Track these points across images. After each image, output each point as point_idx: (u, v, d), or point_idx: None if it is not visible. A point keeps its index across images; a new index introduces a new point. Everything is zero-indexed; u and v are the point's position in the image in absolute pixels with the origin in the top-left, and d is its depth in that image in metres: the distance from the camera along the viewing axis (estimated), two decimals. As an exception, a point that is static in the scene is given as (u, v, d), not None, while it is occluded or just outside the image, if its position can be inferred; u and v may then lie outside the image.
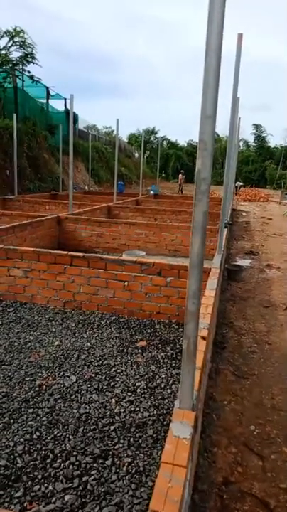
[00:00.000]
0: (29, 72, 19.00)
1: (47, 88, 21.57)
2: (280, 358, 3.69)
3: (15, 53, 18.58)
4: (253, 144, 61.04)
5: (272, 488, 2.09)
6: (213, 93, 1.38)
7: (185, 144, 65.80)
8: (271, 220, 15.63)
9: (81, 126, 28.79)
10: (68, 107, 22.95)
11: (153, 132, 59.85)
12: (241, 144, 55.03)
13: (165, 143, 60.24)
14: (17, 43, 18.42)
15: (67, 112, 22.93)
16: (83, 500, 1.91)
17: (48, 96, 22.05)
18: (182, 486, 1.18)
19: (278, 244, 9.99)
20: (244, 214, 17.50)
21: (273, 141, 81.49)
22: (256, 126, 59.86)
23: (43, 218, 7.75)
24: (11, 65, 18.08)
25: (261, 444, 2.44)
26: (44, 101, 21.75)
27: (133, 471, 2.10)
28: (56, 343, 3.56)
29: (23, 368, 3.11)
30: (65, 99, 23.31)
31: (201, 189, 1.40)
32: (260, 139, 60.75)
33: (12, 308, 4.36)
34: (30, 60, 18.59)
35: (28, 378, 2.95)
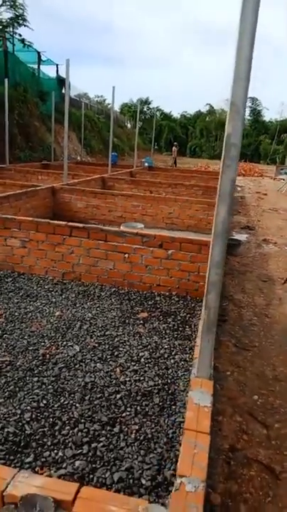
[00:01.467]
0: (20, 35, 18.19)
1: (38, 53, 20.77)
2: (280, 331, 3.74)
3: (6, 14, 17.72)
4: (249, 117, 60.10)
5: (277, 455, 2.14)
6: (247, 54, 1.31)
7: (179, 116, 64.57)
8: (266, 195, 15.60)
9: (72, 94, 27.92)
10: (60, 73, 22.24)
11: (146, 102, 58.44)
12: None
13: (158, 114, 58.97)
14: (7, 3, 17.54)
15: (58, 78, 22.18)
16: (93, 465, 1.93)
17: (39, 61, 21.25)
18: (207, 451, 1.19)
19: (274, 220, 10.00)
20: (239, 189, 17.40)
21: (268, 115, 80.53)
22: (252, 100, 58.80)
23: (38, 188, 7.60)
24: (1, 27, 17.25)
25: (265, 414, 2.49)
26: (35, 66, 20.96)
27: (142, 437, 2.12)
28: (57, 313, 3.54)
29: (25, 337, 3.09)
30: (57, 65, 22.52)
31: (230, 155, 1.35)
32: (255, 113, 59.84)
33: (10, 279, 4.31)
34: (21, 22, 17.75)
35: (31, 347, 2.94)
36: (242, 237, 7.68)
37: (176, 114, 65.09)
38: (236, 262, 5.87)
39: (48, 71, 22.76)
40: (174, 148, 29.38)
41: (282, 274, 5.49)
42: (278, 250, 6.85)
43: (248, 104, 57.56)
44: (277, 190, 17.63)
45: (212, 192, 9.50)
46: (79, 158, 21.33)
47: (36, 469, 1.90)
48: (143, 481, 1.83)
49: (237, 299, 4.41)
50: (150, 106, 58.73)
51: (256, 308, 4.22)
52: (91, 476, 1.88)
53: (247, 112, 58.07)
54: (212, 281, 1.45)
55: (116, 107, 48.74)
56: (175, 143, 31.89)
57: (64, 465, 1.93)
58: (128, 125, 44.90)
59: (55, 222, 4.46)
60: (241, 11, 1.31)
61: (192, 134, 59.60)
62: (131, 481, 1.84)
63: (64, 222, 4.41)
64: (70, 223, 4.39)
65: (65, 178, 8.77)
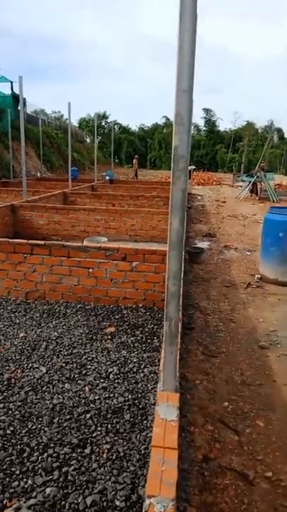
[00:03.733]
0: None
1: (-9, 70, 20.45)
2: (246, 334, 3.80)
3: None
4: (204, 128, 61.82)
5: (250, 460, 2.15)
6: (189, 66, 1.33)
7: (137, 129, 65.42)
8: (225, 202, 15.99)
9: (29, 110, 27.66)
10: (15, 90, 21.98)
11: (104, 117, 58.81)
12: (192, 128, 55.55)
13: (116, 127, 59.47)
14: None
15: (13, 95, 21.92)
16: (65, 491, 1.87)
17: (-8, 79, 20.93)
18: (175, 468, 1.17)
19: (234, 226, 10.25)
20: (199, 198, 17.76)
21: (223, 125, 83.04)
22: (206, 111, 60.63)
23: (-4, 207, 7.42)
24: None
25: (236, 420, 2.50)
26: (-12, 84, 20.64)
27: (114, 457, 2.08)
28: (21, 334, 3.44)
29: (-11, 362, 2.97)
30: (11, 82, 22.24)
31: (179, 167, 1.36)
32: (210, 123, 61.62)
33: None
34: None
35: (-5, 373, 2.82)
36: (204, 244, 7.81)
37: (134, 127, 65.96)
38: (200, 270, 5.94)
39: (3, 88, 22.46)
40: (135, 160, 29.58)
41: (244, 278, 5.61)
42: (239, 255, 7.01)
43: (203, 115, 59.31)
44: (235, 197, 18.13)
45: (173, 202, 9.64)
46: (39, 174, 21.09)
47: (4, 502, 1.81)
48: (117, 503, 1.79)
49: (203, 306, 4.45)
50: (108, 120, 59.21)
51: (221, 314, 4.28)
52: (63, 502, 1.81)
53: (202, 122, 59.77)
54: (171, 291, 1.45)
55: (74, 122, 48.78)
56: (136, 156, 32.14)
57: (34, 494, 1.85)
58: (88, 140, 44.93)
59: (15, 240, 4.36)
60: (179, 21, 1.34)
61: (151, 146, 60.49)
62: (104, 503, 1.79)
63: (24, 241, 4.31)
64: (31, 241, 4.30)
65: (24, 194, 8.63)
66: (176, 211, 1.39)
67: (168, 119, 63.04)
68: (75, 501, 1.81)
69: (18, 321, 3.72)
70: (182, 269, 1.46)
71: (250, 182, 18.07)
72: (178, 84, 1.31)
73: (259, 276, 5.62)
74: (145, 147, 59.93)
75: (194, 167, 31.99)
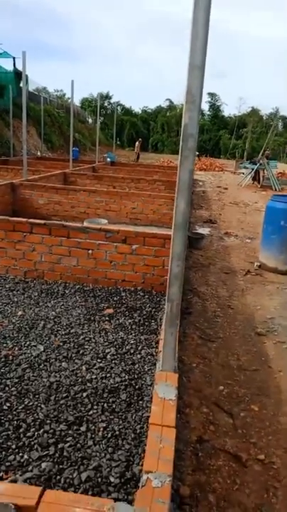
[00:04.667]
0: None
1: (-7, 45, 20.00)
2: (243, 321, 3.82)
3: None
4: (208, 112, 61.03)
5: (243, 443, 2.18)
6: (202, 42, 1.29)
7: (140, 111, 64.52)
8: (227, 189, 15.90)
9: (31, 88, 27.22)
10: (17, 66, 21.55)
11: (107, 97, 57.90)
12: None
13: (119, 109, 58.65)
14: None
15: (16, 72, 21.49)
16: (60, 466, 1.89)
17: (-5, 54, 20.48)
18: (173, 445, 1.18)
19: (235, 213, 10.21)
20: (201, 183, 17.65)
21: (227, 111, 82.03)
22: (211, 95, 59.73)
23: (-4, 184, 7.35)
24: None
25: (231, 403, 2.53)
26: (-10, 59, 20.21)
27: (109, 435, 2.10)
28: (19, 312, 3.44)
29: (-14, 339, 2.98)
30: (14, 58, 21.77)
31: (188, 146, 1.33)
32: (214, 108, 60.84)
33: None
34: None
35: (-8, 349, 2.83)
36: (205, 230, 7.78)
37: (137, 109, 65.04)
38: (200, 256, 5.94)
39: (5, 64, 22.01)
40: (137, 143, 29.23)
41: (243, 265, 5.61)
42: (240, 243, 7.00)
43: (208, 99, 58.50)
44: (237, 184, 18.02)
45: (174, 186, 9.56)
46: (39, 153, 20.85)
47: (1, 475, 1.83)
48: (112, 479, 1.81)
49: (201, 292, 4.46)
50: (111, 101, 58.30)
51: (219, 299, 4.29)
52: (58, 477, 1.83)
53: (207, 107, 59.00)
54: (174, 273, 1.44)
55: (77, 102, 48.06)
56: (140, 139, 31.80)
57: (30, 468, 1.87)
58: (90, 120, 44.36)
59: (15, 218, 4.32)
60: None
61: (153, 129, 59.78)
62: (99, 479, 1.82)
63: (24, 219, 4.28)
64: (31, 220, 4.27)
65: (24, 173, 8.54)
66: (183, 192, 1.37)
67: (171, 102, 62.27)
68: (70, 476, 1.83)
69: (16, 299, 3.71)
70: (185, 251, 1.44)
71: (253, 169, 17.94)
72: (191, 60, 1.28)
73: (259, 264, 5.62)
74: (147, 130, 59.22)
75: (197, 152, 31.72)
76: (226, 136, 56.49)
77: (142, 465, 1.82)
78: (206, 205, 11.32)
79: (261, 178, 17.71)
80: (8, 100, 16.87)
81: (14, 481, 1.78)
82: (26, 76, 8.35)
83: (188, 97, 1.31)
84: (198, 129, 1.35)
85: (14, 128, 17.48)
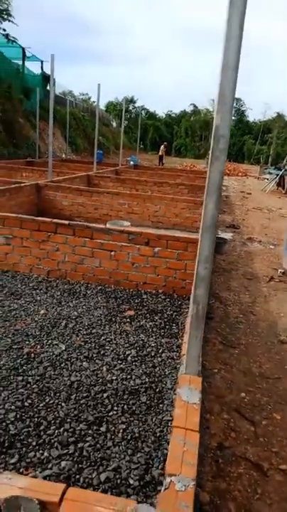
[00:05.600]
0: (4, 30, 17.86)
1: (23, 49, 20.44)
2: (266, 328, 3.75)
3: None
4: (233, 117, 60.58)
5: (265, 452, 2.14)
6: (236, 42, 1.28)
7: (164, 115, 64.67)
8: (250, 194, 15.73)
9: (57, 91, 27.64)
10: (45, 69, 21.97)
11: (131, 101, 58.29)
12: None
13: (143, 113, 58.92)
14: (-10, -3, 17.22)
15: (43, 75, 21.90)
16: (79, 466, 1.89)
17: (24, 57, 20.92)
18: (196, 449, 1.16)
19: (258, 219, 10.07)
20: (224, 188, 17.51)
21: (252, 116, 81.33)
22: (236, 100, 59.29)
23: (22, 185, 7.47)
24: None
25: (252, 411, 2.48)
26: (19, 62, 20.65)
27: (129, 437, 2.09)
28: (42, 311, 3.48)
29: (10, 335, 3.02)
30: (42, 61, 22.25)
31: (219, 147, 1.32)
32: (239, 113, 60.43)
33: (-7, 276, 4.22)
34: (5, 16, 17.43)
35: (15, 346, 2.87)
36: (228, 235, 7.71)
37: (161, 113, 65.24)
38: (222, 260, 5.88)
39: (33, 67, 22.47)
40: (162, 147, 29.22)
41: (267, 272, 5.52)
42: (263, 248, 6.89)
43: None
44: (261, 189, 17.79)
45: (197, 191, 9.52)
46: (64, 155, 21.14)
47: (21, 470, 1.84)
48: (131, 481, 1.80)
49: (223, 297, 4.41)
50: (136, 105, 58.65)
51: (241, 305, 4.23)
52: (77, 476, 1.83)
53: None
54: (201, 276, 1.43)
55: (102, 105, 48.51)
56: (165, 142, 31.82)
57: (49, 465, 1.88)
58: (114, 124, 44.72)
59: (40, 218, 4.38)
60: (228, 2, 1.29)
61: (177, 134, 59.81)
62: (118, 480, 1.81)
63: (49, 219, 4.34)
64: (55, 220, 4.32)
65: (49, 175, 8.66)
66: (212, 193, 1.36)
67: (195, 106, 62.18)
68: (89, 476, 1.83)
69: (39, 298, 3.76)
70: (213, 254, 1.42)
71: (277, 175, 17.68)
72: (224, 60, 1.27)
73: (282, 270, 5.52)
74: (171, 134, 59.29)
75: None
76: (251, 141, 56.01)
77: (161, 469, 1.80)
78: (229, 209, 11.22)
79: (286, 184, 17.43)
80: (35, 103, 17.18)
81: (34, 478, 1.79)
82: (54, 79, 8.49)
83: (220, 98, 1.30)
84: (229, 131, 1.33)
85: (40, 130, 17.78)
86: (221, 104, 1.31)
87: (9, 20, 17.64)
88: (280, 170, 17.68)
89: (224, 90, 1.30)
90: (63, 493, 1.16)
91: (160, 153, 28.88)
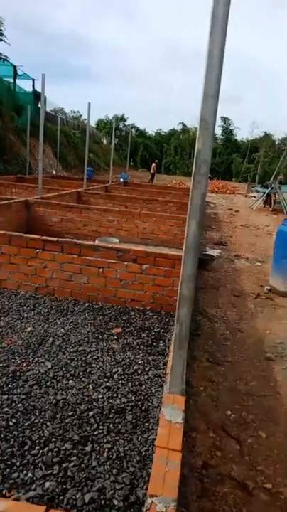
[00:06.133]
0: (-4, 49, 18.12)
1: (14, 67, 20.72)
2: (252, 345, 3.78)
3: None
4: (221, 136, 61.81)
5: (250, 470, 2.14)
6: (217, 73, 1.34)
7: (153, 133, 65.65)
8: (238, 212, 15.95)
9: (48, 108, 27.95)
10: (36, 87, 22.25)
11: (122, 119, 59.16)
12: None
13: (133, 131, 59.73)
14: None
15: (34, 93, 22.18)
16: (64, 486, 1.87)
17: (15, 75, 21.19)
18: (179, 469, 1.17)
19: (246, 236, 10.21)
20: (212, 205, 17.74)
21: (240, 135, 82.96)
22: (224, 119, 60.68)
23: (11, 201, 7.49)
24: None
25: (238, 429, 2.49)
26: (11, 80, 20.90)
27: (114, 456, 2.08)
28: (29, 328, 3.46)
29: (-5, 353, 3.00)
30: (33, 79, 22.54)
31: (201, 171, 1.37)
32: (227, 132, 61.63)
33: (-20, 293, 4.19)
34: (-2, 36, 17.72)
35: (0, 364, 2.85)
36: (215, 252, 7.79)
37: (151, 131, 66.20)
38: (210, 277, 5.93)
39: (24, 85, 22.76)
40: (153, 164, 29.82)
41: (254, 289, 5.58)
42: (250, 265, 6.98)
43: (221, 123, 59.35)
44: (249, 207, 18.06)
45: (186, 208, 9.60)
46: (54, 172, 21.24)
47: (4, 492, 1.82)
48: (115, 502, 1.79)
49: (210, 314, 4.44)
50: (126, 123, 59.56)
51: (228, 322, 4.26)
52: (61, 497, 1.81)
53: (219, 131, 59.81)
54: (184, 295, 1.46)
55: (92, 123, 49.15)
56: (156, 160, 32.56)
57: (33, 486, 1.86)
58: (104, 141, 45.23)
59: (28, 235, 4.40)
60: (210, 30, 1.35)
61: (166, 152, 60.65)
62: (102, 501, 1.79)
63: (37, 236, 4.35)
64: (44, 237, 4.34)
65: (39, 191, 8.70)
66: (194, 215, 1.40)
67: (184, 125, 63.27)
68: (73, 497, 1.81)
69: (26, 315, 3.74)
70: (195, 274, 1.46)
71: (264, 193, 17.99)
72: (205, 89, 1.33)
73: (269, 287, 5.59)
74: (160, 152, 60.10)
75: (209, 175, 32.00)
76: (239, 159, 57.02)
77: (146, 489, 1.79)
78: (217, 226, 11.35)
79: (273, 202, 17.73)
80: (26, 120, 17.32)
81: (17, 500, 1.76)
82: (45, 97, 8.61)
83: (202, 124, 1.36)
84: (211, 155, 1.39)
85: (31, 147, 17.88)
86: (202, 130, 1.37)
87: (1, 40, 17.92)
88: (267, 188, 18.00)
89: (205, 117, 1.36)
90: (44, 515, 1.16)
91: (151, 170, 29.47)
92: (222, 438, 2.39)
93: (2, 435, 2.14)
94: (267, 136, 57.22)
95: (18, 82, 21.72)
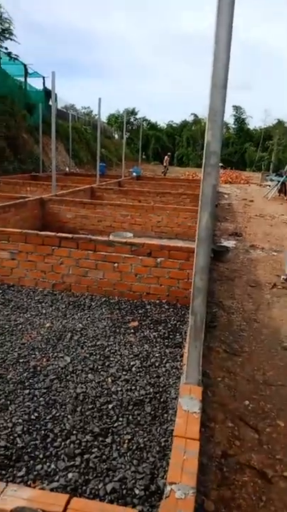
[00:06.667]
0: (6, 48, 18.25)
1: (25, 66, 20.84)
2: (269, 335, 3.77)
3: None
4: (233, 126, 60.98)
5: (269, 459, 2.15)
6: (224, 61, 1.34)
7: (165, 126, 65.18)
8: (253, 202, 15.77)
9: (59, 105, 28.04)
10: (47, 85, 22.34)
11: (133, 113, 58.84)
12: (221, 125, 54.79)
13: (145, 124, 59.44)
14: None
15: (45, 90, 22.28)
16: (86, 477, 1.92)
17: (26, 74, 21.32)
18: (196, 457, 1.20)
19: (261, 226, 10.11)
20: (226, 196, 17.59)
21: (253, 123, 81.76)
22: (236, 108, 59.70)
23: (26, 200, 7.59)
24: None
25: (256, 418, 2.50)
26: (22, 79, 21.04)
27: (134, 447, 2.12)
28: (47, 324, 3.53)
29: (16, 349, 3.07)
30: (44, 77, 22.63)
31: (210, 163, 1.38)
32: (239, 121, 60.71)
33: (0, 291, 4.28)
34: (7, 35, 17.82)
35: (21, 360, 2.92)
36: (230, 243, 7.74)
37: (162, 123, 65.74)
38: (225, 269, 5.91)
39: (35, 83, 22.89)
40: (166, 157, 29.67)
41: (270, 278, 5.54)
42: (266, 255, 6.92)
43: (233, 112, 58.47)
44: (263, 196, 17.84)
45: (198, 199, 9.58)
46: (67, 169, 21.35)
47: (29, 483, 1.88)
48: (137, 491, 1.83)
49: (226, 305, 4.44)
50: (137, 116, 59.20)
51: (245, 313, 4.25)
52: (84, 487, 1.86)
53: (232, 120, 58.93)
54: (198, 286, 1.47)
55: (103, 118, 49.11)
56: (169, 153, 32.35)
57: (56, 478, 1.91)
58: (116, 136, 45.19)
59: (44, 233, 4.46)
60: (216, 18, 1.35)
61: (178, 144, 60.19)
62: (124, 491, 1.83)
63: (53, 233, 4.41)
64: (59, 234, 4.39)
65: (53, 189, 8.78)
66: (206, 207, 1.41)
67: (196, 116, 62.58)
68: (96, 487, 1.86)
69: (44, 311, 3.81)
70: (209, 265, 1.47)
71: (279, 182, 17.73)
72: (213, 81, 1.33)
73: (285, 277, 5.54)
74: (172, 144, 59.65)
75: (221, 164, 31.71)
76: (252, 148, 56.17)
77: (166, 478, 1.83)
78: (231, 217, 11.27)
79: (288, 191, 17.47)
80: (37, 118, 17.43)
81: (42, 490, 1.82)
82: (55, 95, 8.65)
83: (211, 115, 1.36)
84: (221, 146, 1.39)
85: (43, 145, 18.01)
86: (212, 122, 1.37)
87: (11, 39, 18.04)
88: (282, 176, 17.73)
89: (215, 108, 1.36)
90: (67, 504, 1.20)
91: (164, 163, 29.37)
92: (241, 428, 2.40)
93: (25, 428, 2.20)
94: (280, 124, 56.10)
95: (29, 80, 21.88)
